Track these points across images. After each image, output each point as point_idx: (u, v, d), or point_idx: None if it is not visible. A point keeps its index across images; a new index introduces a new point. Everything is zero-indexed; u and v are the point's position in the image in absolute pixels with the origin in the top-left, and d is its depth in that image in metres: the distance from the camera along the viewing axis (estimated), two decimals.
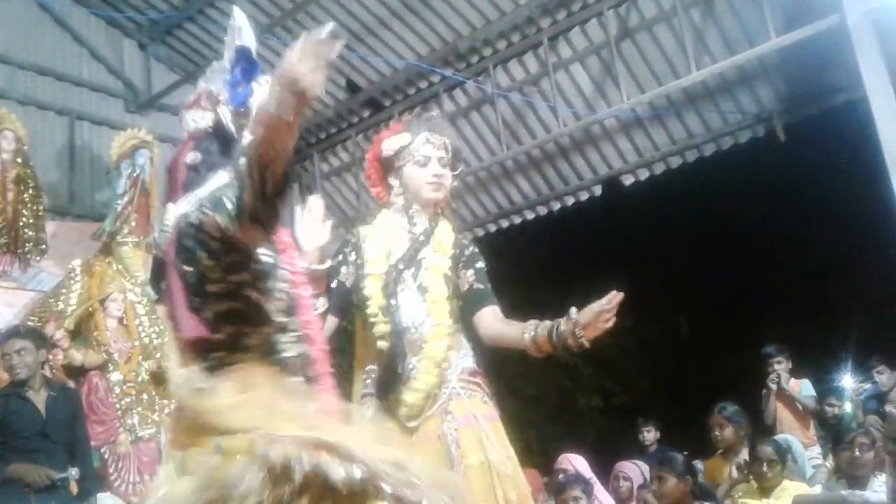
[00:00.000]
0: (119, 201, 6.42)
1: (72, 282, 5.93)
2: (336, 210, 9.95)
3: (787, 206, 12.77)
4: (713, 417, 4.97)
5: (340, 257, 2.58)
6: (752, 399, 5.98)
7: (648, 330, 15.30)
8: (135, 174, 6.54)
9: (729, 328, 13.28)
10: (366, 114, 9.14)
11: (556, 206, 8.71)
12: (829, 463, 4.75)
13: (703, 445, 5.38)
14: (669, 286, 13.96)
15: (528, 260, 13.38)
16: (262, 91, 2.05)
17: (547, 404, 15.25)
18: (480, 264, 2.51)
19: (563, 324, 2.22)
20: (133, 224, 6.40)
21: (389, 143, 2.54)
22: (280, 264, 1.96)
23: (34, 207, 6.32)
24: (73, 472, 4.00)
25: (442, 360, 2.42)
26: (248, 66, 2.10)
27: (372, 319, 2.46)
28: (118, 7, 8.32)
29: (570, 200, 8.59)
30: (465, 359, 2.50)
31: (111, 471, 5.30)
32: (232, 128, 2.07)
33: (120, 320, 5.90)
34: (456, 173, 2.58)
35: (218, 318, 1.84)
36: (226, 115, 2.09)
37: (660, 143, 7.85)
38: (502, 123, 8.04)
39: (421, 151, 2.48)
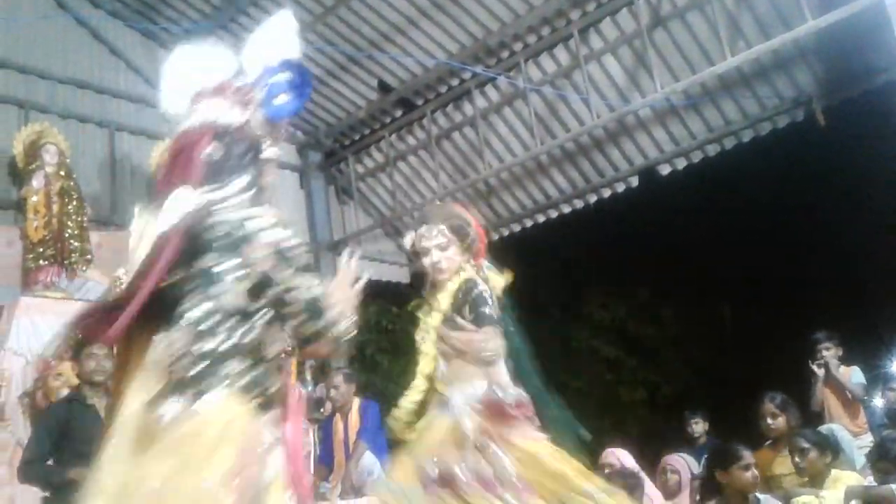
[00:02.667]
0: None
1: (117, 290, 6.04)
2: (372, 210, 10.01)
3: (829, 191, 12.52)
4: (763, 407, 4.89)
5: None
6: (799, 388, 5.88)
7: (691, 321, 15.12)
8: None
9: (774, 316, 13.07)
10: (398, 113, 9.18)
11: (593, 198, 8.66)
12: None
13: (751, 436, 5.30)
14: (711, 275, 13.79)
15: (567, 254, 13.31)
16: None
17: (591, 399, 15.15)
18: (473, 296, 2.83)
19: None
20: None
21: (405, 240, 3.07)
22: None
23: (78, 219, 6.46)
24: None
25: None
26: (300, 79, 2.08)
27: None
28: (153, 19, 8.47)
29: (606, 192, 8.53)
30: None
31: None
32: (259, 134, 2.03)
33: None
34: (468, 239, 2.95)
35: None
36: (258, 119, 2.04)
37: (696, 132, 7.76)
38: (535, 118, 8.01)
39: (420, 245, 2.95)
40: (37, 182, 6.34)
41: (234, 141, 1.99)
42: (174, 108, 2.11)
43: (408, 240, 3.03)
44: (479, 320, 2.75)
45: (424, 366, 2.88)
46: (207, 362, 1.75)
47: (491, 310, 2.78)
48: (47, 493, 4.14)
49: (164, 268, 1.79)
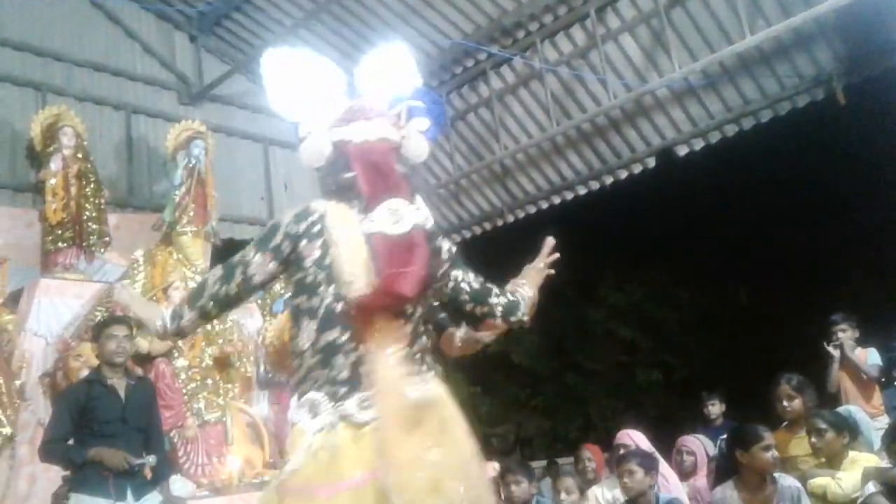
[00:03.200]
0: (177, 192, 6.57)
1: (135, 272, 6.09)
2: None
3: (849, 171, 12.35)
4: (779, 388, 4.86)
5: None
6: (816, 370, 5.84)
7: (707, 302, 15.06)
8: (191, 164, 6.67)
9: (791, 297, 12.99)
10: None
11: (609, 180, 8.60)
12: None
13: (767, 418, 5.28)
14: (728, 257, 13.71)
15: (583, 237, 13.25)
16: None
17: (606, 380, 15.17)
18: None
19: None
20: (191, 214, 6.54)
21: None
22: None
23: (96, 201, 6.50)
24: (151, 459, 4.14)
25: None
26: (437, 108, 2.26)
27: None
28: (168, 1, 8.47)
29: (623, 174, 8.47)
30: None
31: (181, 454, 5.46)
32: (411, 158, 2.26)
33: None
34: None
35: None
36: (411, 142, 2.25)
37: (714, 112, 7.67)
38: (551, 98, 7.96)
39: None
40: (55, 165, 6.38)
41: (404, 160, 2.23)
42: (287, 111, 2.31)
43: None
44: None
45: None
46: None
47: None
48: (68, 472, 4.21)
49: (425, 261, 2.05)
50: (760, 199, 13.06)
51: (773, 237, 13.17)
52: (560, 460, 9.57)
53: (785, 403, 4.80)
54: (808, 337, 7.18)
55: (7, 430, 4.97)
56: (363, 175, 2.14)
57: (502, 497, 4.89)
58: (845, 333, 5.82)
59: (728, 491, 3.94)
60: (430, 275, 2.09)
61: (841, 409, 4.86)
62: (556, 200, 9.06)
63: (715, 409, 6.75)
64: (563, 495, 5.06)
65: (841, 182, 12.55)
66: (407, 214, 2.07)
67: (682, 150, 8.03)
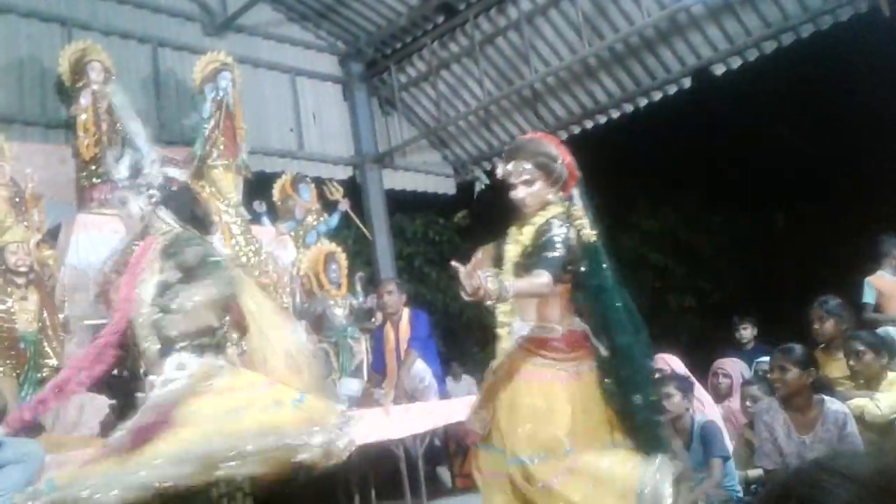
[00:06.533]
0: (206, 125, 6.56)
1: None
2: (417, 121, 9.90)
3: (894, 90, 11.92)
4: (813, 310, 4.82)
5: None
6: (852, 293, 5.76)
7: (742, 226, 14.87)
8: (218, 97, 6.64)
9: (829, 221, 12.73)
10: (440, 19, 8.94)
11: (643, 102, 8.41)
12: None
13: (801, 342, 5.25)
14: (765, 180, 13.43)
15: (615, 161, 13.05)
16: None
17: (639, 306, 15.13)
18: (544, 239, 2.94)
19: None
20: (221, 147, 6.55)
21: (498, 171, 3.21)
22: None
23: (126, 136, 6.51)
24: None
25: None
26: None
27: None
28: None
29: (657, 95, 8.27)
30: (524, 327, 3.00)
31: None
32: None
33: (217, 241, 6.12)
34: (555, 175, 3.05)
35: None
36: None
37: (752, 28, 7.40)
38: (582, 19, 7.74)
39: (508, 181, 3.09)
40: (84, 100, 6.39)
41: None
42: None
43: (498, 172, 3.18)
44: (537, 263, 2.85)
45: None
46: None
47: (554, 254, 2.87)
48: (114, 401, 4.34)
49: None
50: (800, 120, 12.69)
51: (813, 159, 12.85)
52: None
53: (816, 326, 4.78)
54: (843, 260, 7.07)
55: (54, 362, 5.12)
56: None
57: None
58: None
59: (774, 404, 3.95)
60: None
61: (880, 330, 4.81)
62: (589, 125, 8.91)
63: (747, 332, 6.73)
64: None
65: (886, 101, 12.12)
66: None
67: (719, 69, 7.78)
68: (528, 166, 3.04)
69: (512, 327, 2.98)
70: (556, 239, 2.90)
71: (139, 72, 7.87)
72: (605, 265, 2.99)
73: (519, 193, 3.04)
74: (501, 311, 2.98)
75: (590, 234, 2.98)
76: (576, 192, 3.08)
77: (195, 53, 7.59)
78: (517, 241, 3.03)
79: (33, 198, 5.88)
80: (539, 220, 3.00)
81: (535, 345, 2.96)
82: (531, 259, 2.90)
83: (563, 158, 3.07)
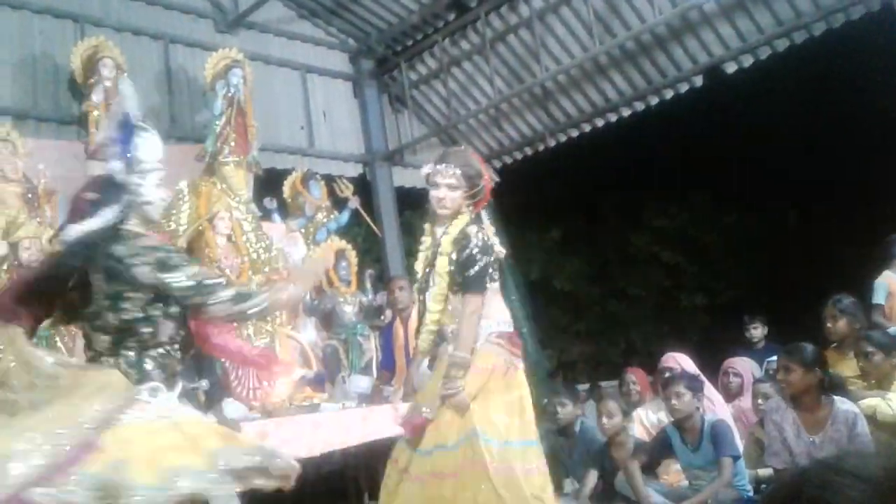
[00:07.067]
0: (217, 122, 6.57)
1: (180, 202, 6.15)
2: (427, 118, 9.90)
3: None
4: (826, 309, 4.80)
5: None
6: (862, 292, 5.73)
7: (754, 226, 14.81)
8: (230, 94, 6.65)
9: (839, 220, 12.67)
10: (451, 16, 8.93)
11: (655, 100, 8.37)
12: None
13: (812, 341, 5.22)
14: (777, 179, 13.37)
15: (627, 160, 13.02)
16: (144, 144, 2.81)
17: (650, 304, 15.14)
18: (464, 256, 3.20)
19: None
20: (233, 144, 6.55)
21: (423, 169, 3.41)
22: None
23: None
24: (204, 383, 4.26)
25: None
26: (126, 131, 2.78)
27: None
28: None
29: (668, 94, 8.24)
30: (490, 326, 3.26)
31: (232, 378, 5.62)
32: (121, 178, 2.77)
33: (228, 237, 6.13)
34: (472, 191, 3.31)
35: None
36: (115, 168, 2.80)
37: (764, 26, 7.36)
38: (594, 16, 7.71)
39: (433, 179, 3.31)
40: (96, 97, 6.42)
41: (103, 186, 2.98)
42: None
43: (424, 169, 3.39)
44: (464, 286, 3.18)
45: (435, 304, 3.29)
46: None
47: (475, 269, 3.16)
48: None
49: None
50: (812, 119, 12.61)
51: (825, 158, 12.77)
52: (603, 383, 9.65)
53: (829, 324, 4.76)
54: (855, 260, 7.03)
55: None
56: None
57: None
58: None
59: (783, 403, 3.93)
60: None
61: (891, 330, 4.79)
62: (600, 123, 8.88)
63: (757, 332, 6.72)
64: (604, 419, 5.11)
65: None
66: None
67: (731, 68, 7.74)
68: (458, 172, 3.27)
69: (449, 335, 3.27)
70: (475, 251, 3.18)
71: (151, 68, 7.89)
72: (515, 286, 3.39)
73: (440, 193, 3.28)
74: (427, 327, 3.32)
75: (501, 249, 3.31)
76: (484, 213, 3.38)
77: (207, 50, 7.60)
78: (441, 252, 3.26)
79: (46, 194, 5.92)
80: (454, 230, 3.26)
81: (509, 342, 3.26)
82: (457, 279, 3.19)
83: (486, 178, 3.36)
